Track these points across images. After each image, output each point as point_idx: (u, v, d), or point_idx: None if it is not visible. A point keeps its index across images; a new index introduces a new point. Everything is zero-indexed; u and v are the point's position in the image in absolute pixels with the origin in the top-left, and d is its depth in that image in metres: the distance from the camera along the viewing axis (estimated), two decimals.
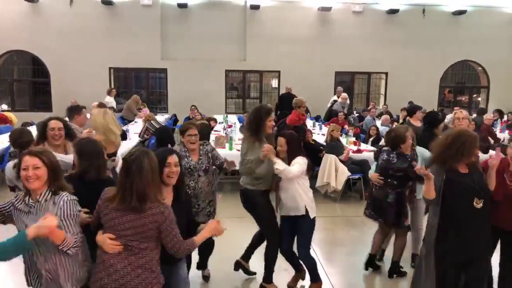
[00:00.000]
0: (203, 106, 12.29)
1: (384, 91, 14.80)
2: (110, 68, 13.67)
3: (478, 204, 2.83)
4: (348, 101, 11.61)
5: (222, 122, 9.58)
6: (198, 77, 13.62)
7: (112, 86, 13.14)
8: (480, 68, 14.92)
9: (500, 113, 11.21)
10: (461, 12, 14.00)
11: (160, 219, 2.20)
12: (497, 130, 9.52)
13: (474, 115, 11.14)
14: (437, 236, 2.90)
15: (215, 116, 11.66)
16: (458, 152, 2.82)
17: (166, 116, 12.54)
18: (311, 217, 3.56)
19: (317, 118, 12.36)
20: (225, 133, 7.89)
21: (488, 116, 9.93)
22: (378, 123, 9.93)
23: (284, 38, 13.79)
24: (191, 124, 3.78)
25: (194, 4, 13.51)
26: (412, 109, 6.01)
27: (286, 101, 10.43)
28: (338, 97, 11.82)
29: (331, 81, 14.37)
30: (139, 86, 14.75)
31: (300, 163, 3.47)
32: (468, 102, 15.70)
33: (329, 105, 11.87)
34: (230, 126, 8.71)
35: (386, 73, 14.60)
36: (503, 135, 8.66)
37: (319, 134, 8.79)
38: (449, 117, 10.48)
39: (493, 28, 14.21)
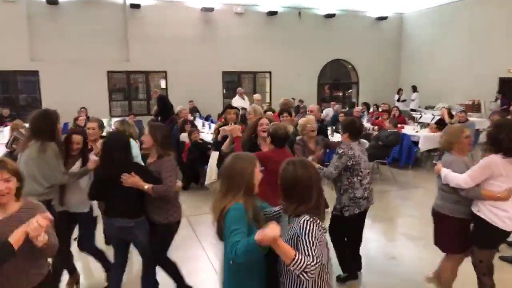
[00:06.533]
0: (87, 109, 11.38)
1: (269, 89, 15.58)
2: None
3: None
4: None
5: (106, 127, 8.98)
6: (77, 79, 12.65)
7: None
8: (350, 66, 16.66)
9: (367, 105, 12.67)
10: (331, 15, 15.45)
11: None
12: (364, 120, 10.73)
13: (347, 108, 12.45)
14: None
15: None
16: None
17: None
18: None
19: (207, 118, 12.46)
20: None
21: (357, 109, 11.19)
22: None
23: (168, 38, 13.58)
24: None
25: (65, 1, 12.49)
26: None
27: (169, 105, 10.32)
28: (242, 97, 11.66)
29: (219, 81, 14.62)
30: (6, 91, 13.13)
31: None
32: (342, 97, 17.42)
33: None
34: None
35: (270, 72, 15.39)
36: (367, 125, 9.83)
37: (208, 133, 8.87)
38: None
39: (359, 30, 15.99)
